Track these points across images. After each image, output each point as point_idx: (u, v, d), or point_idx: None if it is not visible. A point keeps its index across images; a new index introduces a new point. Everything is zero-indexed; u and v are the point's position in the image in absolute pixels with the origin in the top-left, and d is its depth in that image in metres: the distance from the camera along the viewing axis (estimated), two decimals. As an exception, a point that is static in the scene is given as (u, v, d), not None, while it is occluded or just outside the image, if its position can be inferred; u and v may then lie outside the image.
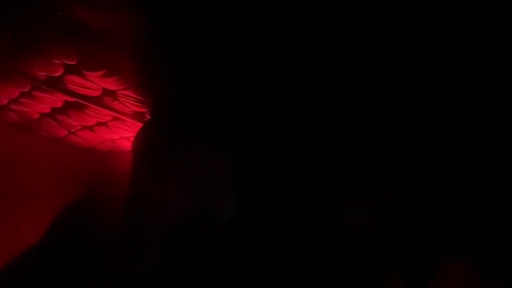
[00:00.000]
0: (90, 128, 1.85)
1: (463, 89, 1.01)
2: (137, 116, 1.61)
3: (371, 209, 1.52)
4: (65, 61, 1.28)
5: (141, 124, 1.53)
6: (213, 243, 0.84)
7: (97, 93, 1.48)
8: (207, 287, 0.88)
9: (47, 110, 1.73)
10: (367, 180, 1.48)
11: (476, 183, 1.30)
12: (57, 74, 1.37)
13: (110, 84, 1.38)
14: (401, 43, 0.91)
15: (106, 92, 1.45)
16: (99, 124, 1.78)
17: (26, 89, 1.54)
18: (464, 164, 1.30)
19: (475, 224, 1.33)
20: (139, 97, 1.44)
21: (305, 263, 1.45)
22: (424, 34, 0.88)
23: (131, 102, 1.48)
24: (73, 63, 1.28)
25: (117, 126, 1.77)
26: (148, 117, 1.56)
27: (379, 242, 1.49)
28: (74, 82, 1.41)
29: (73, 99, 1.56)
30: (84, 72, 1.32)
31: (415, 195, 1.42)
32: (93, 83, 1.40)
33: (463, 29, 0.83)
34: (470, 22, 0.81)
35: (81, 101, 1.56)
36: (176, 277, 0.84)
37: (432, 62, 0.97)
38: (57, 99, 1.58)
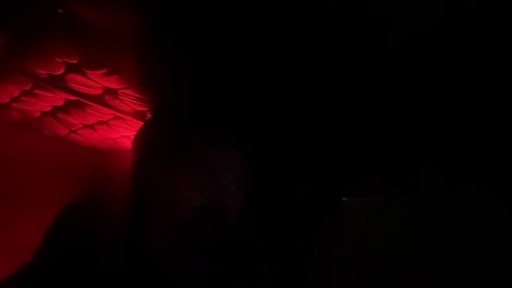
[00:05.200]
0: (91, 126, 1.86)
1: (462, 90, 1.01)
2: (139, 115, 1.61)
3: (371, 207, 1.52)
4: (67, 60, 1.28)
5: (143, 123, 1.53)
6: (221, 239, 0.84)
7: (98, 92, 1.48)
8: (214, 283, 0.88)
9: (48, 109, 1.73)
10: (368, 180, 1.48)
11: (474, 184, 1.30)
12: (58, 73, 1.37)
13: (112, 82, 1.38)
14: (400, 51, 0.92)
15: (107, 90, 1.45)
16: (100, 122, 1.78)
17: (28, 88, 1.54)
18: (463, 165, 1.30)
19: (477, 225, 1.33)
20: (140, 96, 1.44)
21: (307, 260, 1.45)
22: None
23: (133, 101, 1.48)
24: (75, 61, 1.28)
25: (118, 125, 1.77)
26: (149, 116, 1.56)
27: (377, 243, 1.49)
28: (76, 80, 1.42)
29: (74, 98, 1.56)
30: (85, 70, 1.32)
31: (415, 194, 1.42)
32: (94, 81, 1.40)
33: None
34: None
35: (82, 100, 1.56)
36: (184, 273, 0.84)
37: (431, 66, 0.97)
38: (59, 98, 1.59)
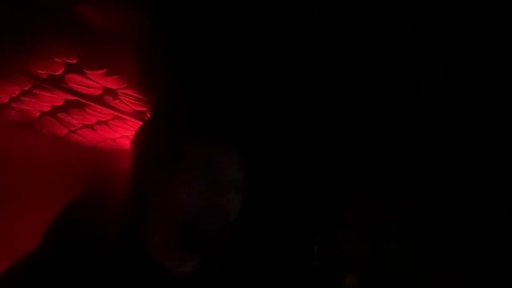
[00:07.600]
0: (91, 126, 1.86)
1: (462, 92, 1.02)
2: (138, 115, 1.61)
3: (370, 210, 1.52)
4: (66, 60, 1.28)
5: (142, 123, 1.53)
6: (219, 241, 0.85)
7: (98, 92, 1.48)
8: (213, 283, 0.89)
9: (48, 109, 1.73)
10: (366, 182, 1.48)
11: (473, 185, 1.30)
12: (58, 73, 1.37)
13: (111, 83, 1.38)
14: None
15: (106, 90, 1.45)
16: (100, 122, 1.78)
17: (27, 87, 1.54)
18: (461, 166, 1.30)
19: (470, 225, 1.33)
20: (139, 96, 1.44)
21: (307, 260, 1.45)
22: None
23: (132, 101, 1.48)
24: (74, 61, 1.28)
25: (117, 125, 1.77)
26: (149, 115, 1.56)
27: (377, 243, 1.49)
28: (75, 80, 1.42)
29: (74, 98, 1.56)
30: (85, 70, 1.32)
31: (413, 196, 1.42)
32: (94, 81, 1.40)
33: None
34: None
35: (82, 100, 1.56)
36: (182, 273, 0.84)
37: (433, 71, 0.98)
38: (58, 98, 1.58)
